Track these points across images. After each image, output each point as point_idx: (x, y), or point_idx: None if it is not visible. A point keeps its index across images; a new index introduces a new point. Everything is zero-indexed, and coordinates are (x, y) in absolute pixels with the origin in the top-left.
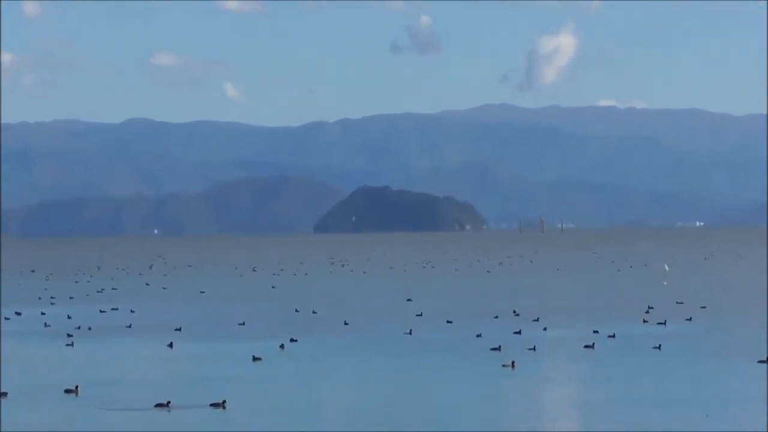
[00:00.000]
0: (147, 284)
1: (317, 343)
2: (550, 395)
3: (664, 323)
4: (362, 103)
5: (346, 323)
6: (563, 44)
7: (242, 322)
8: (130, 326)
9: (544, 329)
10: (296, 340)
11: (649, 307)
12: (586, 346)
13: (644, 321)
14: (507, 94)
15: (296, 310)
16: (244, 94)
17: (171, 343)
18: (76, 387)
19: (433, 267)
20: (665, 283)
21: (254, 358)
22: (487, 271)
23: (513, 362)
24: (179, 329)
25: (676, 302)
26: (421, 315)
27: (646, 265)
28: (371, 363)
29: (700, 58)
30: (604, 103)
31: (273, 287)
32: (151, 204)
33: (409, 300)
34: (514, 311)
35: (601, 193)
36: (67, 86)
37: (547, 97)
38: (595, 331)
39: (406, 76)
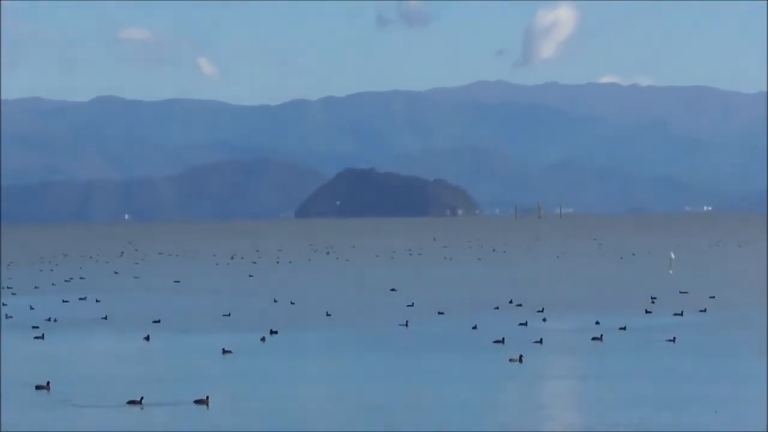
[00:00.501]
0: (116, 273)
1: (298, 336)
2: (561, 392)
3: (681, 314)
4: (347, 80)
5: (328, 314)
6: (562, 17)
7: (221, 314)
8: (105, 318)
9: (544, 320)
10: (276, 332)
11: (652, 298)
12: (594, 339)
13: (647, 312)
14: (502, 70)
15: (275, 301)
16: (221, 71)
17: (147, 336)
18: (48, 383)
19: (419, 254)
20: (671, 271)
21: (226, 351)
22: (478, 259)
23: (520, 356)
24: (158, 321)
25: (680, 292)
26: (412, 305)
27: (649, 252)
28: (362, 357)
29: (709, 31)
30: (605, 80)
31: (251, 276)
32: (121, 189)
33: (393, 290)
34: (511, 301)
35: (602, 176)
36: (29, 62)
37: (545, 73)
38: (597, 323)
39: (394, 51)
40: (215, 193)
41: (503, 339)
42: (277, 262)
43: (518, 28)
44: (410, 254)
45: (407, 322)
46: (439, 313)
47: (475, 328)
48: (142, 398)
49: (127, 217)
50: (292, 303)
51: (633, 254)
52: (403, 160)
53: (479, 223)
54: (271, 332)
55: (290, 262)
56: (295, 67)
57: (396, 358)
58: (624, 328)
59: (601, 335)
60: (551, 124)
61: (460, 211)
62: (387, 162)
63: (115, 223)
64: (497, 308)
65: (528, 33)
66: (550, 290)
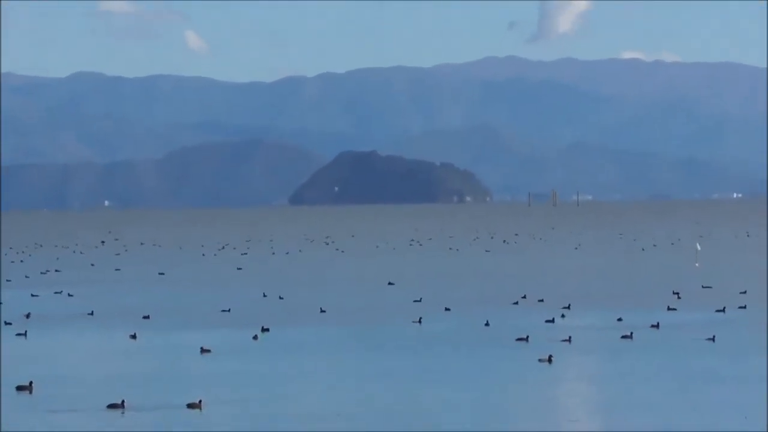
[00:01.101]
0: (92, 264)
1: (292, 334)
2: (596, 394)
3: (723, 310)
4: (346, 56)
5: (322, 310)
6: None
7: (210, 310)
8: (91, 313)
9: (562, 317)
10: (268, 330)
11: (675, 293)
12: (623, 337)
13: (669, 308)
14: (514, 45)
15: (264, 295)
16: (209, 45)
17: (134, 334)
18: (30, 383)
19: (420, 245)
20: (697, 264)
21: (204, 350)
22: (486, 251)
23: (550, 356)
24: (147, 317)
25: (702, 286)
26: (420, 301)
27: (672, 244)
28: (364, 357)
29: (738, 3)
30: (627, 55)
31: (239, 269)
32: (101, 173)
33: (390, 284)
34: (524, 296)
35: (623, 160)
36: (1, 35)
37: (561, 48)
38: (619, 319)
39: (397, 24)
40: (203, 177)
41: (527, 337)
42: (273, 253)
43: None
44: (411, 244)
45: (420, 318)
46: (446, 309)
47: (487, 324)
48: (123, 401)
49: (107, 203)
50: (280, 298)
51: (654, 245)
52: (406, 142)
53: (489, 211)
54: (263, 329)
55: (286, 253)
56: (290, 41)
57: (404, 358)
58: (656, 326)
59: (631, 333)
60: (568, 103)
61: (468, 198)
62: (389, 144)
63: (95, 210)
64: (516, 303)
65: (543, 4)
66: (568, 284)
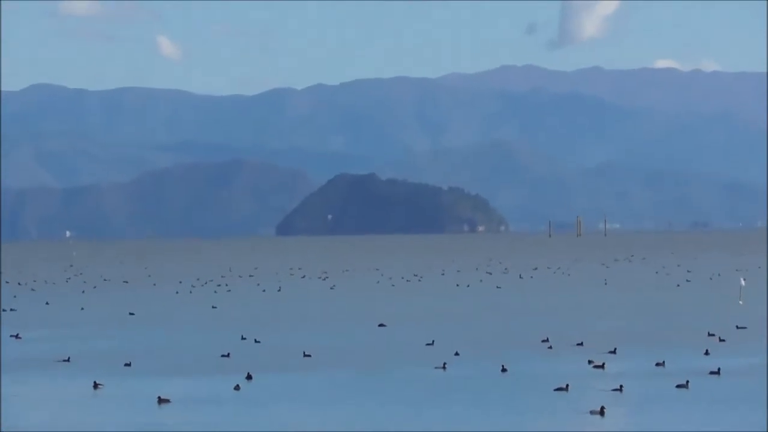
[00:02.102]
0: (47, 303)
1: (274, 382)
2: None
3: None
4: (340, 65)
5: (306, 355)
6: None
7: (187, 354)
8: (68, 360)
9: (602, 366)
10: (251, 378)
11: (710, 334)
12: (679, 386)
13: (706, 353)
14: (533, 52)
15: (243, 338)
16: (184, 52)
17: (95, 383)
18: None
19: (419, 280)
20: (741, 302)
21: (162, 400)
22: (497, 287)
23: (602, 408)
24: (129, 364)
25: (736, 327)
26: (432, 344)
27: (711, 279)
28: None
29: None
30: (661, 64)
31: (214, 308)
32: (62, 199)
33: (381, 325)
34: (546, 339)
35: (656, 183)
36: None
37: (587, 56)
38: (658, 364)
39: (400, 29)
40: (176, 204)
41: (567, 386)
42: (264, 290)
43: (553, 0)
44: (407, 281)
45: (444, 364)
46: (456, 353)
47: (504, 370)
48: None
49: (68, 234)
50: (257, 341)
51: (688, 280)
52: (410, 163)
53: (504, 242)
54: (248, 377)
55: (263, 290)
56: (276, 49)
57: (419, 410)
58: (717, 372)
59: (687, 382)
60: (594, 118)
61: (480, 227)
62: (390, 165)
63: (55, 241)
64: (550, 347)
65: (566, 6)
66: (600, 324)
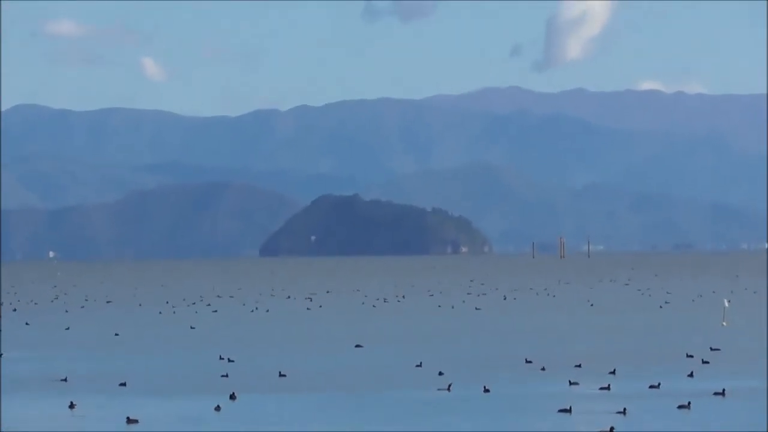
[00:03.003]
0: (27, 323)
1: (253, 403)
2: None
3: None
4: (325, 87)
5: (281, 374)
6: (593, 8)
7: (167, 374)
8: (63, 379)
9: (608, 387)
10: (235, 398)
11: (688, 355)
12: (680, 407)
13: (690, 375)
14: (518, 73)
15: (220, 358)
16: (168, 74)
17: (71, 403)
18: None
19: (399, 300)
20: (724, 323)
21: (131, 421)
22: (476, 309)
23: (612, 429)
24: (124, 384)
25: (711, 348)
26: (420, 366)
27: (693, 300)
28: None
29: None
30: (646, 86)
31: (192, 328)
32: (46, 219)
33: (358, 346)
34: (530, 361)
35: (640, 205)
36: None
37: (572, 78)
38: (653, 386)
39: (385, 51)
40: (161, 225)
41: (570, 408)
42: (245, 306)
43: (538, 22)
44: (383, 302)
45: (450, 385)
46: (440, 373)
47: (486, 390)
48: None
49: (52, 254)
50: (230, 360)
51: (666, 302)
52: (394, 185)
53: (488, 263)
54: (231, 397)
55: (251, 310)
56: (260, 71)
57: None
58: (722, 393)
59: (689, 403)
60: (578, 140)
61: (464, 249)
62: (374, 187)
63: (38, 261)
64: (543, 369)
65: (550, 28)
66: (593, 345)
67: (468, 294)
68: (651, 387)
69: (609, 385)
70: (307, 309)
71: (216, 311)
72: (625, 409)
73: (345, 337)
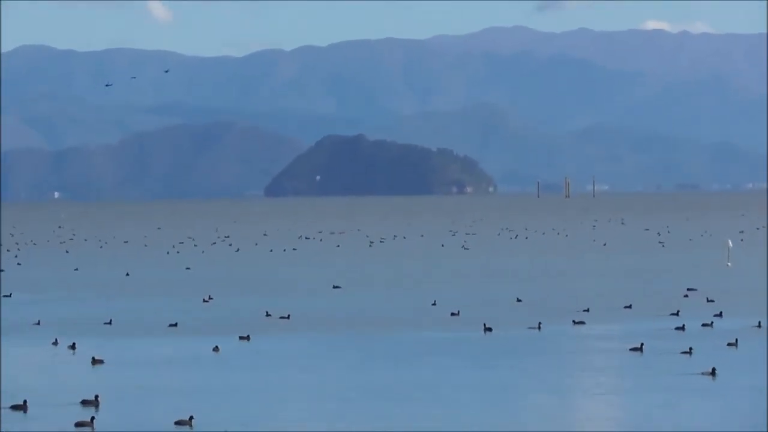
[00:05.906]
0: (19, 264)
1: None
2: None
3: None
4: (329, 26)
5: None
6: None
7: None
8: (38, 323)
9: (683, 328)
10: (248, 338)
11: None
12: (729, 344)
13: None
14: (521, 13)
15: (208, 298)
16: (174, 14)
17: (73, 343)
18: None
19: (404, 238)
20: (728, 263)
21: (94, 360)
22: (464, 249)
23: (713, 369)
24: (108, 322)
25: (687, 289)
26: (434, 304)
27: (690, 240)
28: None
29: None
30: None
31: (188, 269)
32: (49, 160)
33: (336, 287)
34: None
35: (645, 146)
36: None
37: (575, 17)
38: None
39: None
40: (164, 166)
41: (641, 345)
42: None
43: None
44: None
45: (490, 327)
46: (452, 314)
47: (489, 330)
48: (93, 418)
49: (56, 195)
50: (206, 300)
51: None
52: (398, 125)
53: (492, 203)
54: (241, 338)
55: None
56: (264, 11)
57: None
58: (682, 327)
59: (642, 345)
60: (582, 80)
61: (469, 189)
62: (378, 127)
63: (43, 202)
64: (587, 310)
65: None
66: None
67: (473, 233)
68: (676, 328)
69: (711, 322)
70: (293, 249)
71: (238, 250)
72: (690, 348)
73: (350, 276)
